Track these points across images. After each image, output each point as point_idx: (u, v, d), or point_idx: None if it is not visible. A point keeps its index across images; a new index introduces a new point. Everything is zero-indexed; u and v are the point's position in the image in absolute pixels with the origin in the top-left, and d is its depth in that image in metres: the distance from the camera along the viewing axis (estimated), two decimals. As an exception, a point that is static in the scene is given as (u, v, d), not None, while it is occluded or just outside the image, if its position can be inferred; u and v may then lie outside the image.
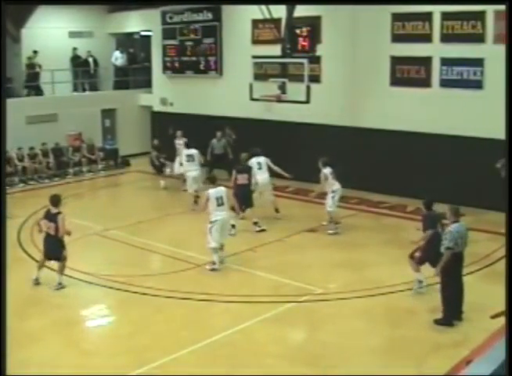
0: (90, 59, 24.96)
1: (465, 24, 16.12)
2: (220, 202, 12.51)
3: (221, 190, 12.69)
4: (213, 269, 12.37)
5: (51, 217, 11.38)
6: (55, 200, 11.53)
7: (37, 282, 11.76)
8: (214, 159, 19.82)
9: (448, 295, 9.92)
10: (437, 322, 9.90)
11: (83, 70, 24.87)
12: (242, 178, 15.00)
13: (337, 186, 14.71)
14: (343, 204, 16.84)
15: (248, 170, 15.26)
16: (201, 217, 16.33)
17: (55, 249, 11.54)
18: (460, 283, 10.11)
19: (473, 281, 11.63)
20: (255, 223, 14.96)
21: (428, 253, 10.59)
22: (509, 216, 8.40)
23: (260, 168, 15.68)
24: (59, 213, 11.40)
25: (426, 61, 16.93)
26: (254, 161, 15.65)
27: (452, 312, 9.93)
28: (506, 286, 6.75)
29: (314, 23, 17.64)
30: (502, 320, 6.81)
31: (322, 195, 15.00)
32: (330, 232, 14.64)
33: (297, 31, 16.40)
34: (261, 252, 13.58)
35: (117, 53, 25.51)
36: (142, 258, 13.52)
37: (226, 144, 20.16)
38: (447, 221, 10.03)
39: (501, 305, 6.56)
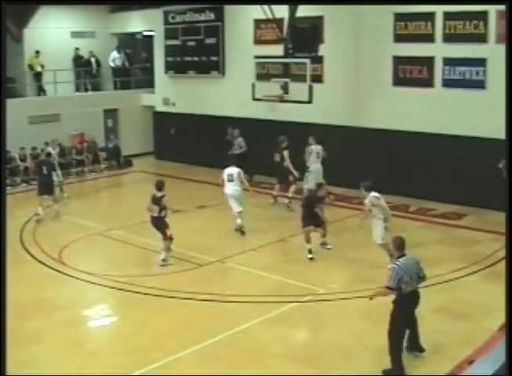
0: (92, 59, 24.98)
1: (467, 24, 16.11)
2: (230, 178, 14.70)
3: (233, 170, 14.82)
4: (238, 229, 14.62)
5: (156, 201, 12.79)
6: (160, 185, 12.91)
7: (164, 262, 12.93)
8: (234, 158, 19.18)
9: (395, 341, 8.54)
10: (385, 372, 8.55)
11: (85, 70, 24.90)
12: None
13: (388, 211, 12.62)
14: (345, 204, 16.87)
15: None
16: (203, 217, 16.42)
17: (159, 228, 12.96)
18: (412, 327, 8.88)
19: (475, 281, 11.65)
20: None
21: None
22: (509, 216, 8.39)
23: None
24: (163, 196, 12.77)
25: (428, 61, 16.92)
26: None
27: (400, 361, 8.51)
28: (506, 286, 6.74)
29: (316, 23, 17.66)
30: (503, 320, 6.80)
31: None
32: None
33: (300, 31, 16.41)
34: (263, 252, 13.58)
35: (115, 54, 25.45)
36: (145, 258, 13.52)
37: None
38: (393, 255, 8.73)
39: (502, 305, 6.56)
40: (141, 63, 26.65)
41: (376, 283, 11.43)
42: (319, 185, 13.99)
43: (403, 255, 8.65)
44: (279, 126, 19.78)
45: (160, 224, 12.90)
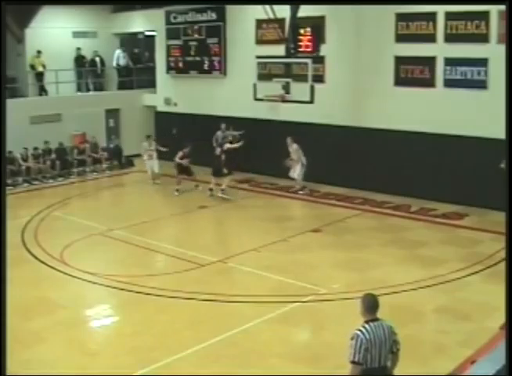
0: (97, 59, 24.99)
1: (469, 24, 16.10)
2: None
3: None
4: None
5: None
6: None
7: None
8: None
9: None
10: None
11: (89, 70, 24.90)
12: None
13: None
14: (347, 204, 16.89)
15: None
16: (204, 217, 16.44)
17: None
18: None
19: (476, 281, 11.65)
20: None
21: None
22: (509, 216, 8.40)
23: None
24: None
25: (430, 61, 16.90)
26: None
27: None
28: (506, 286, 6.74)
29: (318, 23, 17.66)
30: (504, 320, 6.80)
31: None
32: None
33: (301, 31, 16.42)
34: (265, 252, 13.58)
35: (119, 52, 25.47)
36: (146, 258, 13.53)
37: (230, 136, 20.24)
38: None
39: (504, 305, 6.56)
40: (143, 62, 26.66)
41: (378, 284, 11.47)
42: None
43: (374, 320, 6.50)
44: (281, 126, 19.78)
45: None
